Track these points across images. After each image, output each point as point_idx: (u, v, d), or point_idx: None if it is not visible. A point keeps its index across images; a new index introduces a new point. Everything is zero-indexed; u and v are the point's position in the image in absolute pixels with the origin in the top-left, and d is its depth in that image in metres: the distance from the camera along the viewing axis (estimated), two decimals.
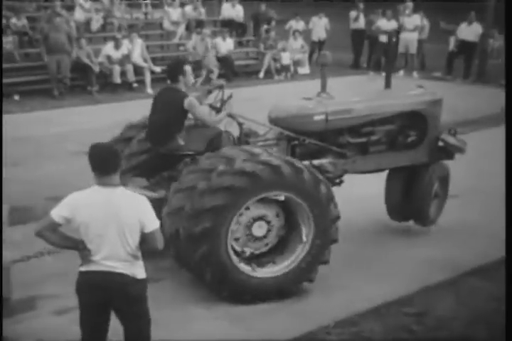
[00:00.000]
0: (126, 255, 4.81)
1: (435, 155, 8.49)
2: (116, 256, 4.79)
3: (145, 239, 4.84)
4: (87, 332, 4.98)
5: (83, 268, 4.88)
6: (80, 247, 4.83)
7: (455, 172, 8.78)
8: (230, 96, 7.65)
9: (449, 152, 8.55)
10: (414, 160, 8.40)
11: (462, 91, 19.05)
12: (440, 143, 8.49)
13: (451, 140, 8.45)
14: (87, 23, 20.75)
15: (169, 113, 7.23)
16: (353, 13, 23.41)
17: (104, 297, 4.84)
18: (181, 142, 7.29)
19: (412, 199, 8.47)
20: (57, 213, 4.76)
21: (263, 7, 24.12)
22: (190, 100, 7.19)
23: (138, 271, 4.90)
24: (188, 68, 7.40)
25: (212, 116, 7.51)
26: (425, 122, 8.36)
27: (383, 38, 21.39)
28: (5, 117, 14.63)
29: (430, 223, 8.64)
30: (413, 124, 8.37)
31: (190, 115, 7.31)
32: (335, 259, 7.10)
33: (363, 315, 6.65)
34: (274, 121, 7.86)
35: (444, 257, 7.95)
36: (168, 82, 7.55)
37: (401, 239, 8.55)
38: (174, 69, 7.45)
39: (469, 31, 20.92)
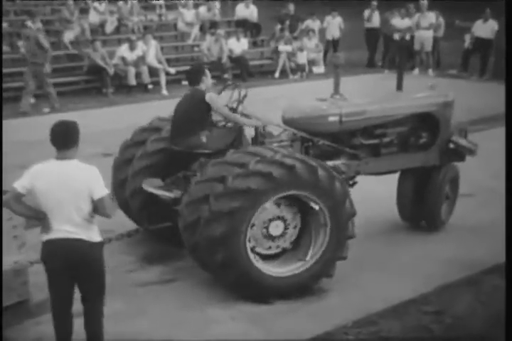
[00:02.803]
0: (81, 220, 5.20)
1: (446, 157, 8.48)
2: (73, 221, 5.18)
3: (96, 206, 5.21)
4: (56, 296, 5.38)
5: (44, 238, 5.28)
6: (40, 216, 5.25)
7: (471, 170, 8.73)
8: (245, 95, 7.70)
9: (460, 154, 8.52)
10: (425, 162, 8.38)
11: (478, 88, 18.97)
12: (451, 145, 8.48)
13: (462, 142, 8.44)
14: (102, 25, 20.89)
15: (192, 108, 7.38)
16: (366, 12, 23.32)
17: (66, 262, 5.22)
18: (203, 139, 7.34)
19: (423, 202, 8.45)
20: (20, 184, 5.17)
21: (291, 7, 23.58)
22: (211, 94, 7.38)
23: (93, 234, 5.31)
24: (207, 71, 7.67)
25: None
26: (437, 124, 8.36)
27: (398, 37, 21.40)
28: (20, 120, 14.76)
29: (441, 225, 8.63)
30: (425, 126, 8.38)
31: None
32: (352, 259, 7.08)
33: (381, 314, 6.62)
34: (288, 122, 7.85)
35: (461, 256, 7.91)
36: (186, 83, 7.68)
37: (418, 237, 8.50)
38: (197, 72, 7.68)
39: (485, 28, 20.80)
